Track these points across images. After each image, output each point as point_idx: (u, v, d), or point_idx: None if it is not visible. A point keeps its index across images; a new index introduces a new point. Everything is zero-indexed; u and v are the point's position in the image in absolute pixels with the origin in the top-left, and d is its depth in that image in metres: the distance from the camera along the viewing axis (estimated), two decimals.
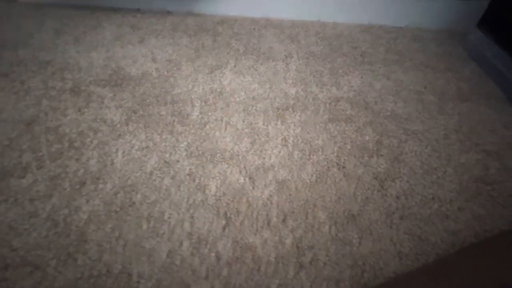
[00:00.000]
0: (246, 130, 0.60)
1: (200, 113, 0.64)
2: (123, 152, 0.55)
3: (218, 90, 0.70)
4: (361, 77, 0.77)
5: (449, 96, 0.72)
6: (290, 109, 0.66)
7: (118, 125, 0.60)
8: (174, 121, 0.61)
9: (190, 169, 0.52)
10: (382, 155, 0.56)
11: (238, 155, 0.55)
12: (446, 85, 0.75)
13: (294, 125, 0.62)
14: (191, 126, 0.60)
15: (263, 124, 0.62)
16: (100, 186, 0.49)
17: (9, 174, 0.50)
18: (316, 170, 0.53)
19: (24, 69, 0.73)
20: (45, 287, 0.38)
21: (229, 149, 0.56)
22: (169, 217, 0.45)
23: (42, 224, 0.44)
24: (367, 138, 0.60)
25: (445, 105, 0.69)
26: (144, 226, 0.44)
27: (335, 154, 0.56)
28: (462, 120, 0.65)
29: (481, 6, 0.93)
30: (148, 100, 0.66)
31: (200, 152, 0.55)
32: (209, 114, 0.63)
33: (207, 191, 0.49)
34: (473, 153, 0.58)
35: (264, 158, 0.55)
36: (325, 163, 0.54)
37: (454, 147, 0.59)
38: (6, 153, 0.53)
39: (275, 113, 0.64)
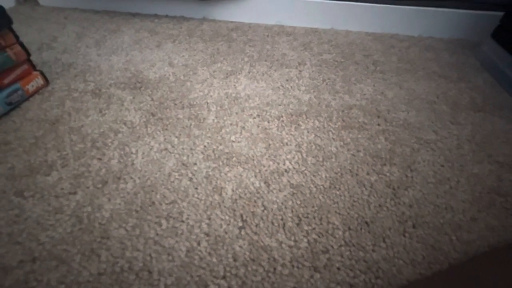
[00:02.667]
0: (261, 135, 0.62)
1: (216, 117, 0.65)
2: (143, 153, 0.57)
3: (233, 95, 0.72)
4: (374, 85, 0.78)
5: (462, 106, 0.72)
6: (304, 116, 0.67)
7: (138, 127, 0.62)
8: (191, 124, 0.63)
9: (207, 171, 0.54)
10: (395, 164, 0.57)
11: (253, 159, 0.56)
12: (458, 95, 0.76)
13: (308, 132, 0.63)
14: (208, 130, 0.62)
15: (277, 129, 0.63)
16: (121, 185, 0.51)
17: (35, 171, 0.52)
18: (330, 176, 0.54)
19: (49, 71, 0.76)
20: (70, 281, 0.40)
21: (244, 153, 0.57)
22: (187, 218, 0.47)
23: (67, 220, 0.46)
24: (379, 146, 0.61)
25: (458, 115, 0.69)
26: (164, 226, 0.46)
27: (348, 161, 0.57)
28: (475, 131, 0.65)
29: (495, 16, 0.93)
30: (165, 104, 0.68)
31: (217, 155, 0.57)
32: (225, 118, 0.65)
33: (223, 194, 0.50)
34: (486, 163, 0.58)
35: (278, 163, 0.56)
36: (339, 169, 0.55)
37: (467, 158, 0.59)
38: (32, 151, 0.56)
39: (289, 119, 0.66)
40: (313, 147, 0.60)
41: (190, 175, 0.53)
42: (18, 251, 0.42)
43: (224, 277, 0.40)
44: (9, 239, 0.43)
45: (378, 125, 0.66)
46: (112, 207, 0.48)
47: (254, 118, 0.66)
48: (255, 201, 0.49)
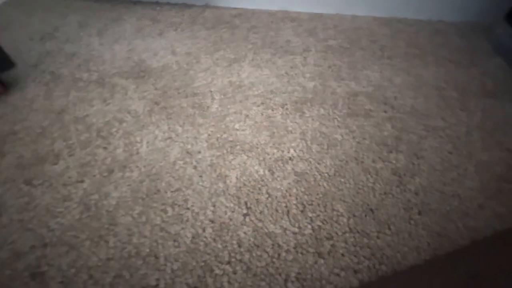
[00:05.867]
0: (265, 123, 0.61)
1: (220, 105, 0.65)
2: (147, 142, 0.57)
3: (237, 83, 0.71)
4: (380, 71, 0.76)
5: (472, 92, 0.70)
6: (308, 103, 0.66)
7: (142, 116, 0.62)
8: (195, 113, 0.63)
9: (211, 159, 0.54)
10: (401, 151, 0.56)
11: (257, 147, 0.56)
12: (469, 80, 0.74)
13: (312, 119, 0.62)
14: (211, 118, 0.62)
15: (282, 117, 0.63)
16: (127, 174, 0.51)
17: (43, 160, 0.53)
18: (335, 164, 0.54)
19: (52, 61, 0.76)
20: (80, 265, 0.41)
21: (248, 141, 0.57)
22: (192, 205, 0.47)
23: (75, 207, 0.47)
24: (386, 133, 0.60)
25: (468, 102, 0.68)
26: (169, 213, 0.46)
27: (353, 149, 0.56)
28: (485, 117, 0.64)
29: None
30: (169, 92, 0.68)
31: (221, 143, 0.57)
32: (229, 107, 0.65)
33: (228, 181, 0.51)
34: (496, 151, 0.57)
35: (282, 150, 0.56)
36: (344, 157, 0.55)
37: (476, 145, 0.58)
38: (39, 140, 0.57)
39: (293, 107, 0.65)
40: (318, 134, 0.59)
41: (194, 163, 0.53)
42: (30, 237, 0.43)
43: (229, 262, 0.41)
44: (21, 226, 0.45)
45: (385, 112, 0.64)
46: (119, 195, 0.48)
47: (258, 106, 0.65)
48: (259, 189, 0.50)
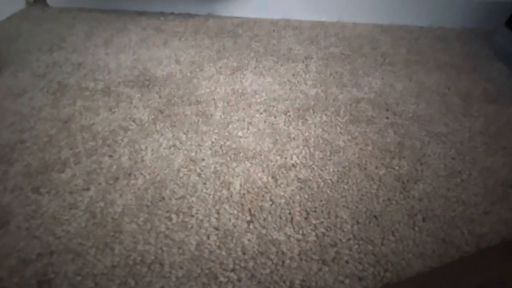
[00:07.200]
0: (268, 130, 0.62)
1: (223, 113, 0.66)
2: (152, 150, 0.58)
3: (240, 91, 0.72)
4: (382, 78, 0.76)
5: (474, 98, 0.70)
6: (311, 110, 0.67)
7: (146, 124, 0.63)
8: (198, 121, 0.64)
9: (215, 167, 0.54)
10: (404, 157, 0.56)
11: (260, 155, 0.57)
12: (471, 86, 0.74)
13: (315, 126, 0.63)
14: (215, 126, 0.63)
15: (284, 124, 0.63)
16: (132, 181, 0.52)
17: (50, 168, 0.54)
18: (338, 171, 0.54)
19: (59, 71, 0.78)
20: (86, 273, 0.41)
21: (251, 149, 0.58)
22: (196, 212, 0.48)
23: (81, 215, 0.47)
24: (388, 140, 0.60)
25: (470, 107, 0.68)
26: (174, 220, 0.47)
27: (356, 155, 0.57)
28: (488, 122, 0.64)
29: (509, 3, 0.90)
30: (173, 101, 0.69)
31: (224, 151, 0.57)
32: (232, 114, 0.66)
33: (231, 189, 0.51)
34: (500, 156, 0.57)
35: (286, 157, 0.56)
36: (346, 163, 0.55)
37: (479, 150, 0.58)
38: (46, 148, 0.58)
39: (295, 114, 0.66)
40: (321, 141, 0.59)
41: (198, 170, 0.54)
42: (36, 244, 0.44)
43: (233, 270, 0.41)
44: (28, 233, 0.45)
45: (387, 118, 0.65)
46: (124, 203, 0.49)
47: (261, 113, 0.66)
48: (263, 196, 0.50)
